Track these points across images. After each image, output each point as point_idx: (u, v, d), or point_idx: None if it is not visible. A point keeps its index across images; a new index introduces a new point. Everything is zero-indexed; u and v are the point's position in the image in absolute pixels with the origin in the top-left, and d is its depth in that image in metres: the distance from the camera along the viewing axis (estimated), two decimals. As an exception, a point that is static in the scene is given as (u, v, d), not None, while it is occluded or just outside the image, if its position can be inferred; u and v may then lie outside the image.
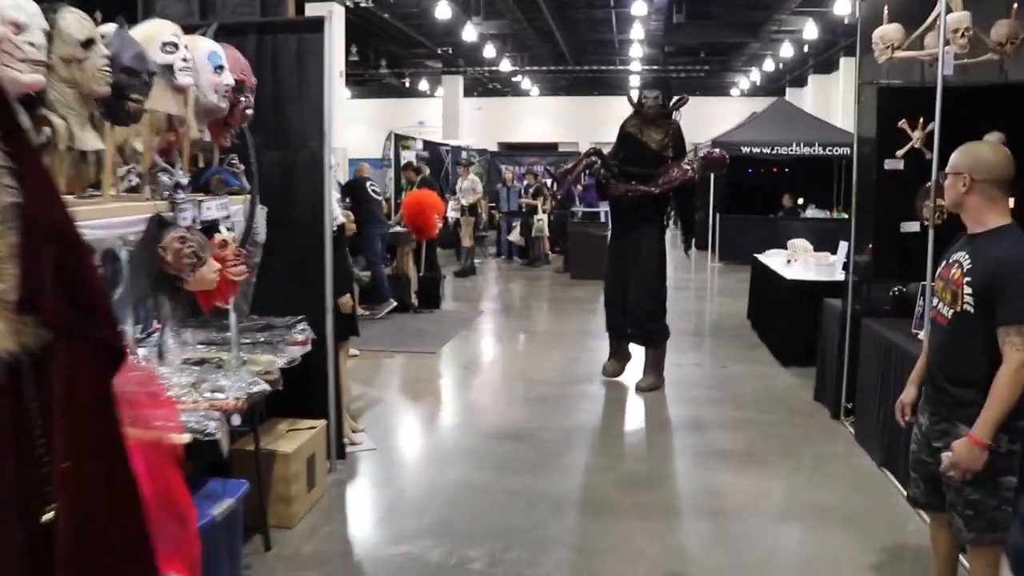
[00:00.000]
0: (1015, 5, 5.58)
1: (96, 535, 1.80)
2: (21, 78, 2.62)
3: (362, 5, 19.78)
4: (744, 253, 14.70)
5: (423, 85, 30.23)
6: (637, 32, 21.03)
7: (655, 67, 26.65)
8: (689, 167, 7.16)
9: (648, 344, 7.38)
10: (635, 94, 7.48)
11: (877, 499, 5.01)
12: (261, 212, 4.48)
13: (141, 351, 4.53)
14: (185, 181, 3.70)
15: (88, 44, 2.90)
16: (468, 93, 29.61)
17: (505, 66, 25.74)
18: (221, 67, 3.87)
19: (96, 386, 1.81)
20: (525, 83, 30.15)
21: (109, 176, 3.26)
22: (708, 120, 24.84)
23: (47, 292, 1.66)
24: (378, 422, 6.49)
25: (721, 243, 15.18)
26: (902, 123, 6.11)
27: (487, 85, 31.02)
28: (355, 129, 25.13)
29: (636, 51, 23.29)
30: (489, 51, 23.14)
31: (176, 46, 3.58)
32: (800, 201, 16.01)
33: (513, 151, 27.08)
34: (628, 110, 7.45)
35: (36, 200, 1.66)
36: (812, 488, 5.23)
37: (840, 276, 8.17)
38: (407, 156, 14.86)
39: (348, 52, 22.87)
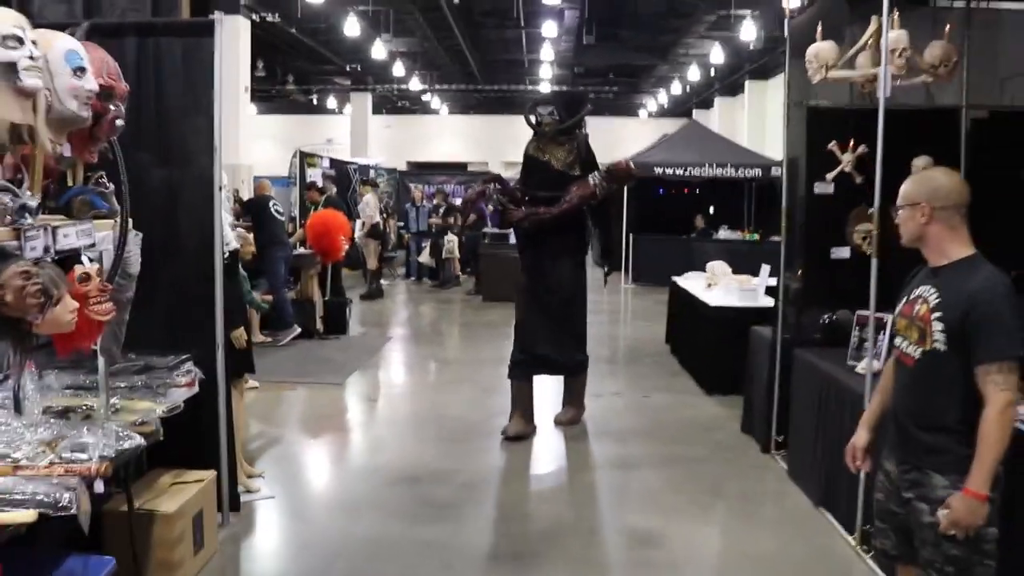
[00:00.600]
0: (947, 27, 5.33)
1: None
2: None
3: (268, 19, 19.06)
4: (659, 274, 14.47)
5: (331, 102, 29.48)
6: (547, 53, 20.77)
7: (564, 87, 26.47)
8: (594, 182, 6.49)
9: (570, 375, 6.82)
10: (532, 115, 6.76)
11: (818, 544, 4.63)
12: (135, 239, 3.83)
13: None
14: (34, 203, 3.05)
15: None
16: (377, 111, 29.00)
17: (415, 84, 25.20)
18: (82, 69, 3.23)
19: None
20: (435, 102, 29.66)
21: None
22: (617, 141, 24.67)
23: None
24: (278, 465, 5.84)
25: (635, 264, 14.88)
26: (832, 145, 5.80)
27: (396, 103, 30.43)
28: (261, 146, 24.24)
29: (546, 71, 23.02)
30: (399, 69, 22.58)
31: (20, 40, 2.93)
32: (700, 222, 15.86)
33: (423, 170, 26.51)
34: (537, 131, 6.97)
35: None
36: (749, 533, 4.80)
37: (763, 301, 7.89)
38: (313, 174, 14.18)
39: (254, 67, 22.00)
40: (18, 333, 3.04)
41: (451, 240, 14.68)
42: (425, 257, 14.87)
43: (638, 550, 4.57)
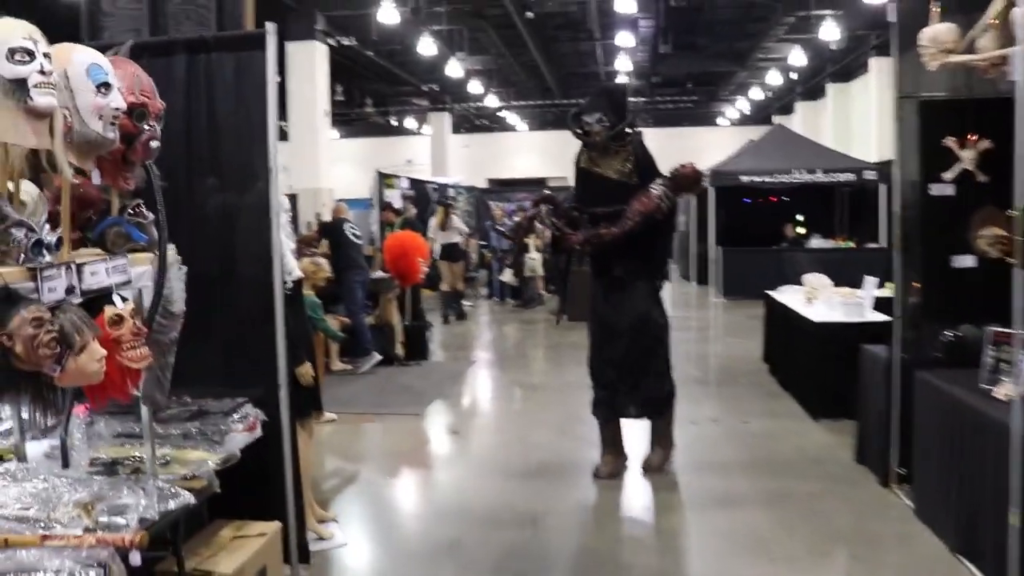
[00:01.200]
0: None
1: None
2: None
3: (345, 43, 18.95)
4: (749, 287, 13.71)
5: (410, 123, 29.42)
6: (623, 64, 20.20)
7: (642, 98, 25.83)
8: (657, 192, 5.57)
9: (655, 418, 5.90)
10: (577, 125, 5.88)
11: (963, 602, 3.94)
12: (178, 273, 3.39)
13: (37, 448, 3.50)
14: (52, 238, 2.63)
15: None
16: (456, 130, 28.80)
17: (491, 101, 24.92)
18: (107, 85, 2.80)
19: None
20: (512, 118, 29.34)
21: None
22: (697, 150, 23.89)
23: None
24: (353, 507, 5.38)
25: (724, 277, 14.12)
26: (949, 141, 5.13)
27: (474, 121, 30.24)
28: (343, 169, 24.19)
29: (623, 83, 22.41)
30: (475, 87, 22.32)
31: (31, 54, 2.51)
32: (801, 230, 14.99)
33: (503, 187, 26.10)
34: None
35: None
36: (880, 587, 4.14)
37: (871, 316, 7.17)
38: (392, 195, 13.82)
39: (333, 91, 21.99)
40: (37, 387, 2.62)
41: (534, 258, 14.13)
42: (508, 276, 14.36)
43: (752, 609, 3.96)
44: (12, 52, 2.49)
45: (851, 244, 14.31)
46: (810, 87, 25.39)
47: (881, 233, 13.85)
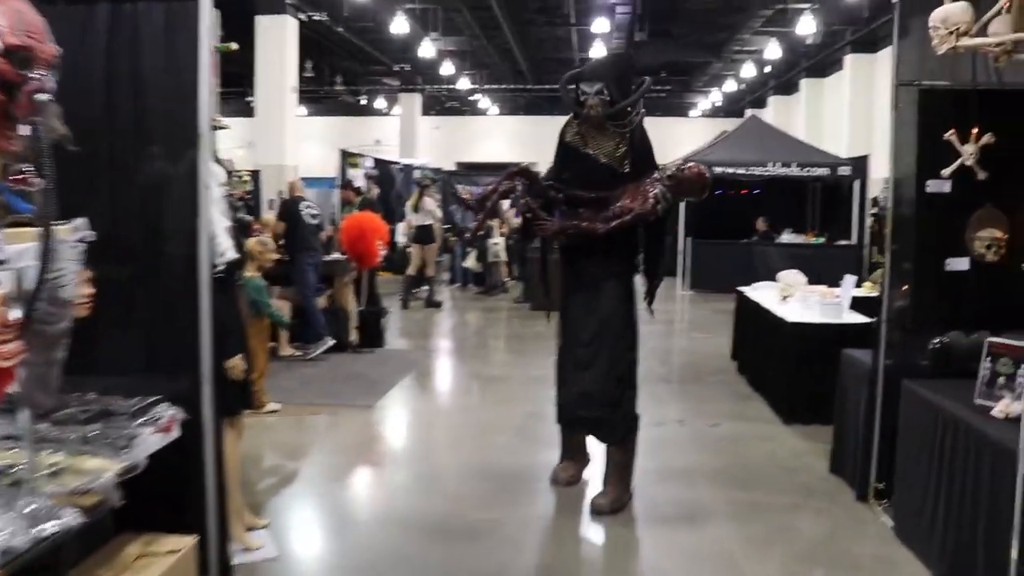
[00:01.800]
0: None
1: None
2: None
3: (316, 18, 18.27)
4: (717, 281, 13.32)
5: (380, 103, 28.74)
6: (598, 50, 19.66)
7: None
8: (654, 192, 4.75)
9: (606, 440, 5.01)
10: (571, 91, 5.04)
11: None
12: (71, 253, 2.86)
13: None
14: None
15: None
16: (426, 112, 28.16)
17: (463, 84, 24.33)
18: (-28, 21, 2.28)
19: None
20: (484, 102, 28.76)
21: None
22: (668, 140, 23.48)
23: None
24: (289, 512, 4.87)
25: (692, 270, 13.69)
26: (950, 135, 4.69)
27: (445, 104, 29.62)
28: (311, 147, 23.50)
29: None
30: (447, 68, 21.72)
31: None
32: (761, 225, 14.59)
33: (471, 171, 25.52)
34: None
35: None
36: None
37: (849, 317, 6.77)
38: (356, 175, 13.22)
39: (303, 68, 21.28)
40: None
41: (497, 243, 13.52)
42: (471, 262, 13.77)
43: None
44: None
45: (822, 240, 13.96)
46: (784, 81, 25.08)
47: (853, 230, 13.53)
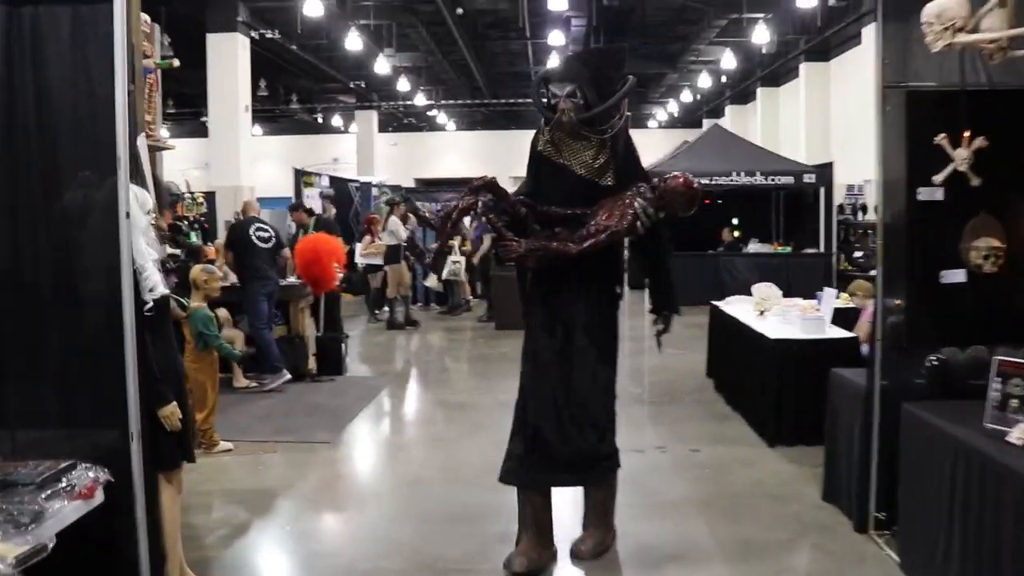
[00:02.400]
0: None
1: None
2: None
3: (268, 36, 17.75)
4: (686, 294, 12.66)
5: (336, 121, 28.20)
6: (554, 63, 19.33)
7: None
8: (633, 206, 4.10)
9: (593, 482, 4.38)
10: (542, 94, 4.38)
11: None
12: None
13: None
14: None
15: None
16: (383, 129, 27.66)
17: (420, 100, 23.90)
18: None
19: None
20: (441, 118, 28.34)
21: None
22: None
23: None
24: (239, 570, 4.34)
25: (659, 282, 13.33)
26: (941, 139, 4.32)
27: (402, 120, 29.14)
28: (265, 167, 22.89)
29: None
30: (403, 84, 21.26)
31: None
32: (727, 235, 14.25)
33: (430, 187, 25.04)
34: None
35: None
36: None
37: (831, 332, 6.40)
38: (311, 194, 12.68)
39: (256, 86, 20.73)
40: None
41: (457, 262, 12.95)
42: (432, 281, 13.23)
43: None
44: None
45: (789, 249, 13.66)
46: (740, 91, 24.97)
47: (820, 238, 13.25)
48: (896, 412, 4.33)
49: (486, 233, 13.37)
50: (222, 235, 15.24)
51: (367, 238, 12.37)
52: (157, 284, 3.60)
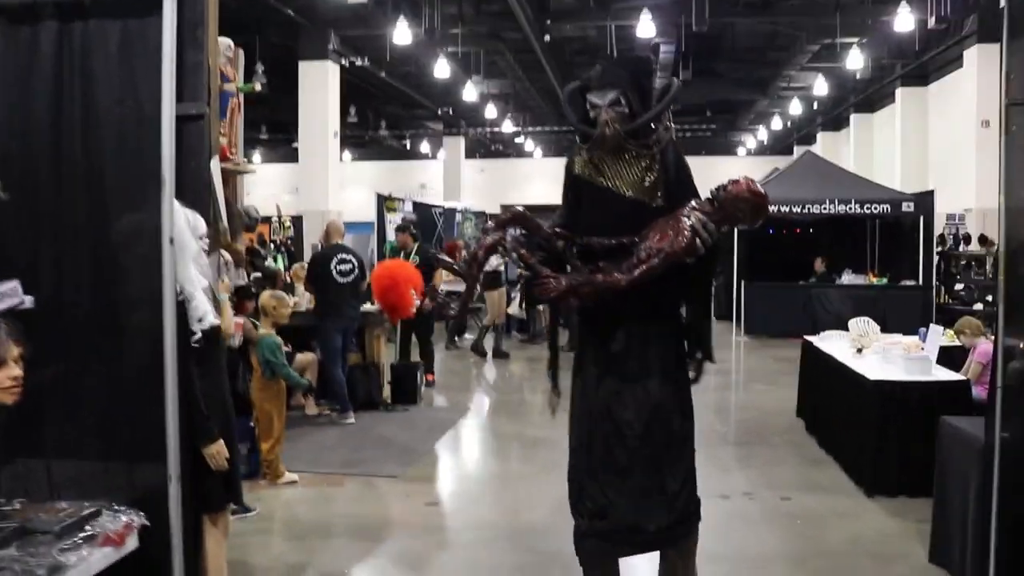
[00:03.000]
0: None
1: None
2: None
3: (358, 63, 17.88)
4: (775, 325, 12.31)
5: (424, 147, 28.33)
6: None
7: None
8: (691, 223, 3.38)
9: (670, 546, 3.64)
10: (574, 105, 3.72)
11: None
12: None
13: None
14: None
15: None
16: (470, 155, 27.67)
17: (507, 127, 23.78)
18: None
19: None
20: (528, 144, 28.19)
21: None
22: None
23: None
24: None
25: (747, 314, 12.69)
26: (1073, 161, 3.78)
27: (489, 147, 29.11)
28: (354, 192, 23.03)
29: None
30: (490, 111, 21.16)
31: None
32: (820, 266, 13.55)
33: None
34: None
35: None
36: None
37: (938, 374, 5.82)
38: (393, 220, 12.52)
39: (347, 113, 20.93)
40: None
41: (527, 286, 12.49)
42: (515, 308, 12.89)
43: None
44: None
45: (885, 281, 12.90)
46: (832, 117, 24.17)
47: (919, 270, 12.49)
48: (1020, 469, 3.80)
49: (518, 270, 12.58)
50: (308, 258, 15.34)
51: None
52: (206, 314, 3.32)
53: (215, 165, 4.65)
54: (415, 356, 9.36)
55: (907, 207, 12.41)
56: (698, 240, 3.37)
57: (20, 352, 2.76)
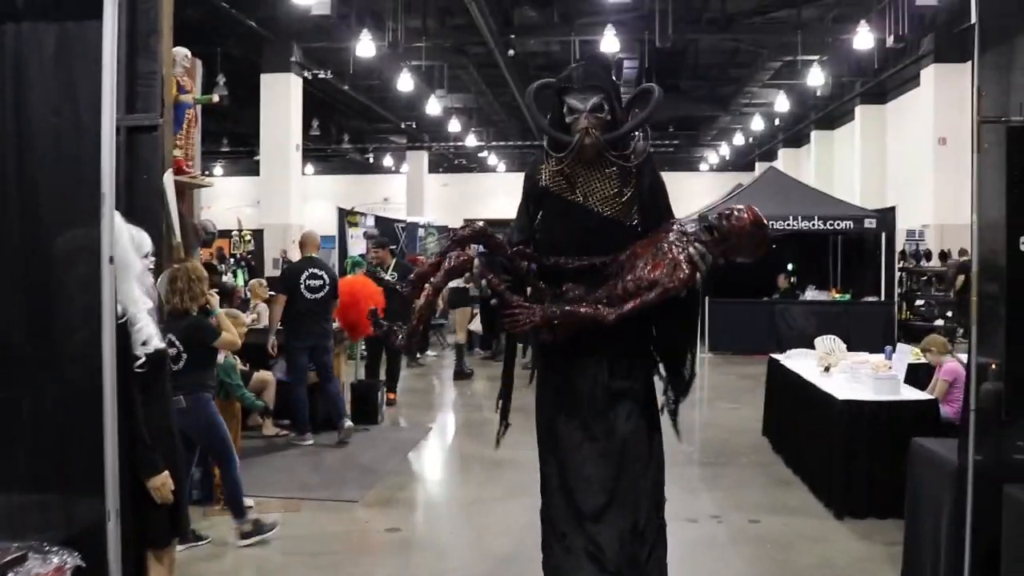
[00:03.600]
0: None
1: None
2: None
3: (321, 76, 17.67)
4: (739, 341, 12.25)
5: (387, 161, 28.13)
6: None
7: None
8: (687, 253, 3.09)
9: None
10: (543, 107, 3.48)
11: None
12: None
13: None
14: None
15: None
16: (433, 169, 27.53)
17: (471, 141, 23.68)
18: None
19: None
20: (491, 159, 28.11)
21: None
22: (678, 195, 22.55)
23: None
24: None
25: (711, 331, 12.63)
26: (1048, 180, 3.71)
27: (453, 161, 28.99)
28: (316, 206, 22.75)
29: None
30: (454, 125, 21.05)
31: None
32: (783, 282, 13.54)
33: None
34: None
35: None
36: None
37: (907, 393, 5.75)
38: (355, 234, 12.30)
39: (309, 126, 20.68)
40: None
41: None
42: (476, 324, 12.70)
43: None
44: None
45: (848, 297, 12.91)
46: (793, 133, 24.42)
47: (881, 286, 12.52)
48: (993, 494, 3.70)
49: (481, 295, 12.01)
50: (268, 272, 15.03)
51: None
52: (151, 337, 3.12)
53: (168, 178, 4.45)
54: (383, 373, 9.12)
55: (869, 223, 12.45)
56: (697, 272, 3.09)
57: None
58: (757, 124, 22.04)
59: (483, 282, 3.26)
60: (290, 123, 16.64)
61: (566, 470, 3.34)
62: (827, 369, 6.39)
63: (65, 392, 2.93)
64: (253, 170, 21.47)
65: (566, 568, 3.31)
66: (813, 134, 23.20)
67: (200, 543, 4.94)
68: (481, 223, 3.41)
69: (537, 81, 3.51)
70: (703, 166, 29.68)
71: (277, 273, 15.29)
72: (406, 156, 26.41)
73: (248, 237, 16.03)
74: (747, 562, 4.88)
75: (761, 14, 15.37)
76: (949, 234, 14.17)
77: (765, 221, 3.29)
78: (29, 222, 2.91)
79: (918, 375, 6.51)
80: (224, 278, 9.82)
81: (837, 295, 12.99)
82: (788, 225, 11.98)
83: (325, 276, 7.48)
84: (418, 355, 12.28)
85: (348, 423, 7.40)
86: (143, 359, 3.05)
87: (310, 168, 26.04)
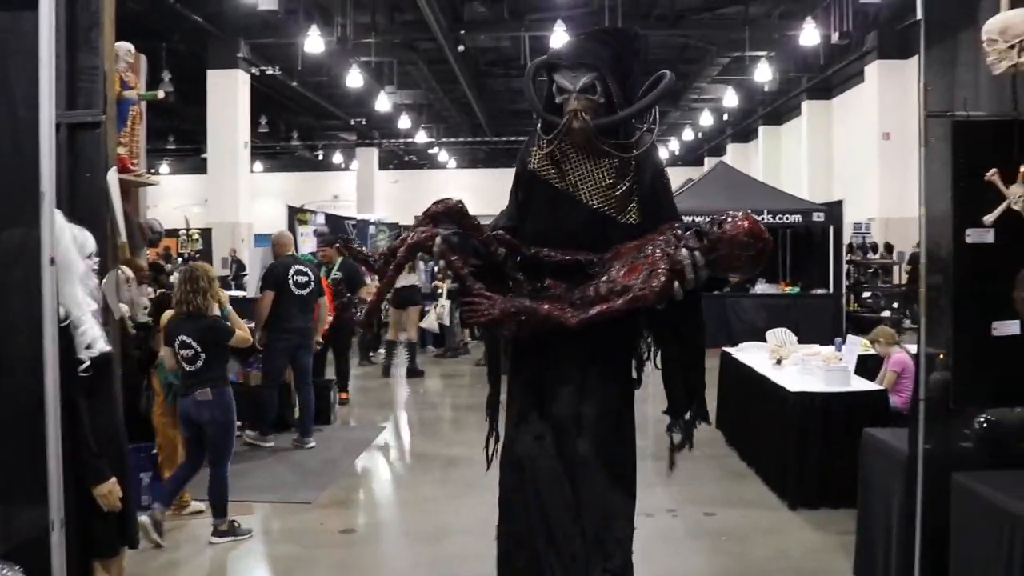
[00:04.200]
0: None
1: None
2: None
3: (269, 72, 17.44)
4: (689, 335, 12.27)
5: (337, 158, 27.88)
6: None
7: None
8: (679, 258, 2.77)
9: None
10: (536, 85, 3.17)
11: None
12: None
13: None
14: None
15: None
16: (384, 166, 27.35)
17: (421, 138, 23.57)
18: None
19: None
20: (442, 155, 28.01)
21: None
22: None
23: None
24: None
25: (662, 324, 12.74)
26: (991, 175, 3.77)
27: (403, 158, 28.83)
28: (265, 204, 22.47)
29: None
30: (404, 122, 20.93)
31: None
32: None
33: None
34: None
35: None
36: None
37: (857, 384, 5.83)
38: (305, 232, 12.16)
39: (257, 123, 20.41)
40: None
41: (444, 306, 12.20)
42: (430, 321, 12.62)
43: None
44: None
45: (796, 290, 13.11)
46: (741, 128, 24.71)
47: (829, 278, 12.74)
48: (942, 481, 3.77)
49: (444, 279, 11.70)
50: (217, 272, 14.78)
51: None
52: (96, 340, 3.03)
53: (112, 176, 4.33)
54: (329, 373, 9.03)
55: (818, 217, 12.65)
56: (677, 283, 2.76)
57: None
58: (706, 119, 22.30)
59: (442, 262, 2.99)
60: (238, 120, 16.41)
61: (522, 488, 3.13)
62: (779, 362, 6.47)
63: (5, 398, 2.84)
64: (200, 168, 21.16)
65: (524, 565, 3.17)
66: (761, 129, 23.51)
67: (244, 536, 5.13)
68: (457, 199, 3.04)
69: (538, 58, 3.24)
70: (653, 161, 29.99)
71: (226, 272, 15.08)
72: (356, 153, 26.21)
73: (196, 236, 15.76)
74: (703, 555, 4.92)
75: (709, 10, 15.52)
76: (894, 227, 14.48)
77: (766, 233, 2.90)
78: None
79: (867, 366, 6.62)
80: (172, 278, 9.62)
81: (787, 288, 13.18)
82: (738, 219, 12.12)
83: (310, 273, 7.43)
84: (370, 354, 12.18)
85: (312, 443, 7.26)
86: (87, 363, 2.96)
87: (259, 166, 25.72)
